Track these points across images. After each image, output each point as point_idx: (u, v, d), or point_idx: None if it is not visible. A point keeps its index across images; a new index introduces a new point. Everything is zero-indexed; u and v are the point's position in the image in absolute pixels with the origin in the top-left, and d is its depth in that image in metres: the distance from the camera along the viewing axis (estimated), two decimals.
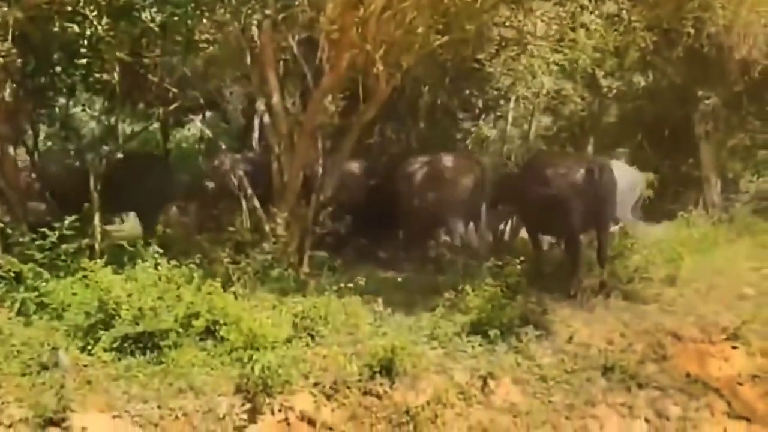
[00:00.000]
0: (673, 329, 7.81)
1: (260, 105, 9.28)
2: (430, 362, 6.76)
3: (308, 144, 8.95)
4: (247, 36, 8.80)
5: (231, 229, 8.43)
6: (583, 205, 8.33)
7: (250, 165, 10.25)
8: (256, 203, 9.15)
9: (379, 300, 7.51)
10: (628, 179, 9.85)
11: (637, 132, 13.35)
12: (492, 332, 7.03)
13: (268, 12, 8.30)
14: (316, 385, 6.31)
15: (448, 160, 9.56)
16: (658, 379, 7.30)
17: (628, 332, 7.69)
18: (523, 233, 10.43)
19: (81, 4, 7.48)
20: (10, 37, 7.46)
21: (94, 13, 7.56)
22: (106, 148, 10.39)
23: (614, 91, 10.47)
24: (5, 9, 7.35)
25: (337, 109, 9.13)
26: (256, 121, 10.56)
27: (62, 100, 11.02)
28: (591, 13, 8.38)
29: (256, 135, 11.10)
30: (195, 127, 13.35)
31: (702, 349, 7.72)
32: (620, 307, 8.16)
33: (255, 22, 8.68)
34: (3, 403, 5.59)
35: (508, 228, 10.59)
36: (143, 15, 7.94)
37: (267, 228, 8.66)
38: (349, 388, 6.38)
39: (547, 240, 9.73)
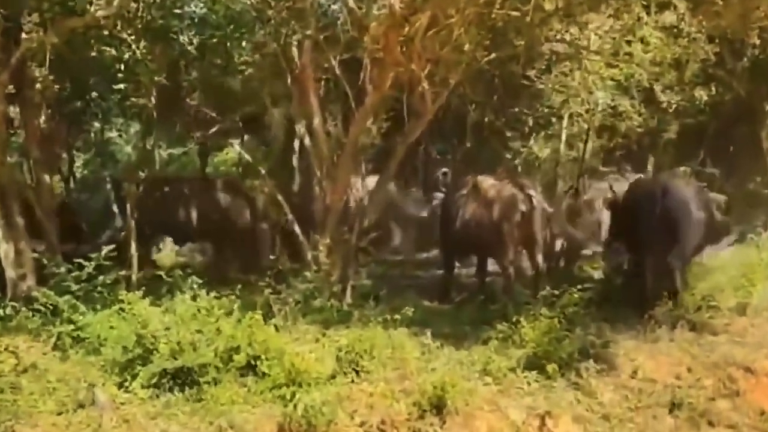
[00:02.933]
0: (745, 362, 7.30)
1: (300, 127, 9.09)
2: (484, 399, 6.37)
3: (350, 167, 8.75)
4: (287, 57, 8.65)
5: (270, 257, 8.23)
6: (646, 228, 8.06)
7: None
8: (297, 229, 8.90)
9: (428, 332, 7.20)
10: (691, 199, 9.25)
11: (699, 149, 12.86)
12: (549, 367, 6.67)
13: (308, 32, 8.14)
14: (362, 424, 5.99)
15: (493, 181, 9.02)
16: (730, 417, 6.77)
17: (697, 366, 7.24)
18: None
19: (118, 27, 7.43)
20: (47, 63, 7.43)
21: (132, 37, 7.55)
22: (142, 174, 10.29)
23: (674, 107, 9.99)
24: (41, 35, 7.29)
25: (380, 130, 8.91)
26: (296, 144, 10.37)
27: (97, 125, 11.09)
28: (647, 24, 7.97)
29: (296, 158, 10.94)
30: (234, 150, 13.28)
31: None
32: (687, 338, 7.67)
33: (295, 43, 8.54)
34: None
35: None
36: (181, 38, 7.93)
37: (308, 256, 8.43)
38: (396, 428, 6.05)
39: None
